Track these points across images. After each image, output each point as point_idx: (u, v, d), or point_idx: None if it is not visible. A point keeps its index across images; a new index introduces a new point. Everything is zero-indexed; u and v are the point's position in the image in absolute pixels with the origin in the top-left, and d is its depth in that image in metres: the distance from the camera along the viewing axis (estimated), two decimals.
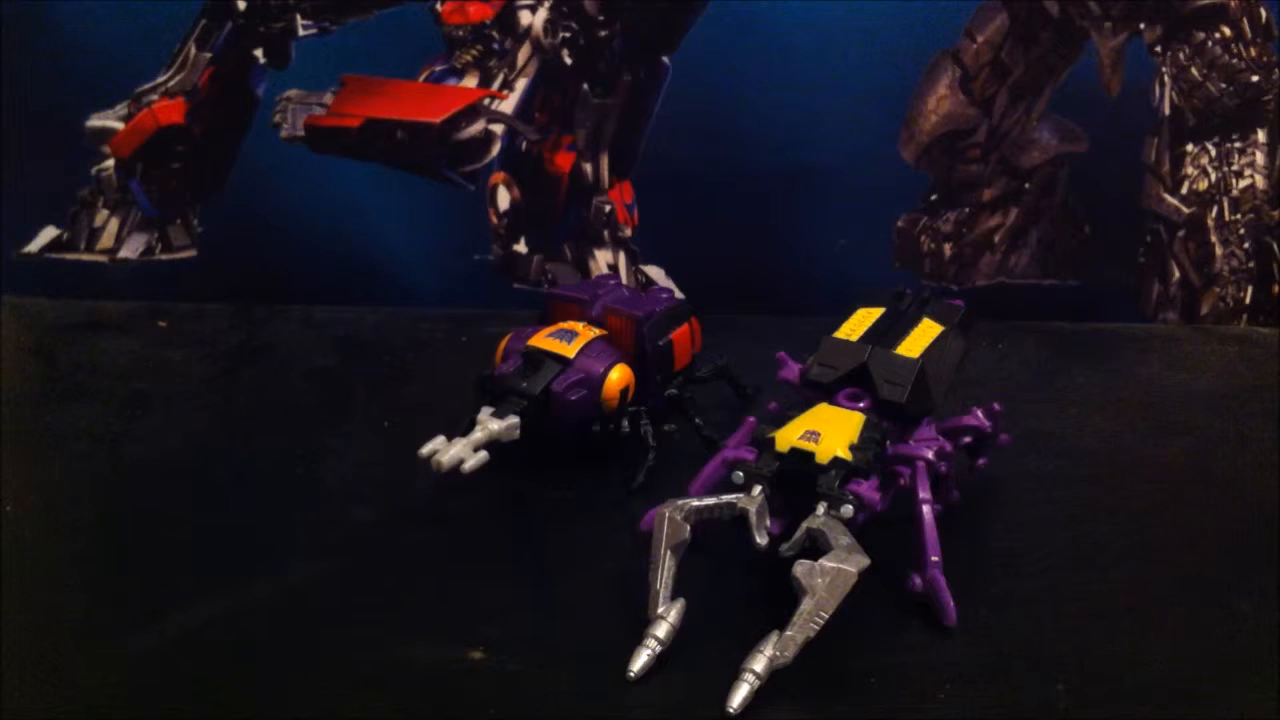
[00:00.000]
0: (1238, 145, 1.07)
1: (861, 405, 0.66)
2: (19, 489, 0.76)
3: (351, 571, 0.68)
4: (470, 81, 1.09)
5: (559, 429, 0.75)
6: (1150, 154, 1.08)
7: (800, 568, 0.56)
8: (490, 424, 0.70)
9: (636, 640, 0.58)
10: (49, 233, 1.15)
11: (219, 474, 0.79)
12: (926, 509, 0.63)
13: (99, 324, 1.07)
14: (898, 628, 0.62)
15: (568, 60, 1.08)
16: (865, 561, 0.57)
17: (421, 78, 1.09)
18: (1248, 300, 1.10)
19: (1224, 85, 1.05)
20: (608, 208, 1.12)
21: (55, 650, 0.60)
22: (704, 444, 0.79)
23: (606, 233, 1.13)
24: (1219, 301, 1.10)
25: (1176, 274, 1.10)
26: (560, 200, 1.12)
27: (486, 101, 1.10)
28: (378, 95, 1.10)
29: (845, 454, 0.61)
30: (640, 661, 0.57)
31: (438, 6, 1.07)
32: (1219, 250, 1.09)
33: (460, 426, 0.71)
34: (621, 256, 1.13)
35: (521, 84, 1.09)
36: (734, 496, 0.61)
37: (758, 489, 0.61)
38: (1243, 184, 1.08)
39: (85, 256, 1.15)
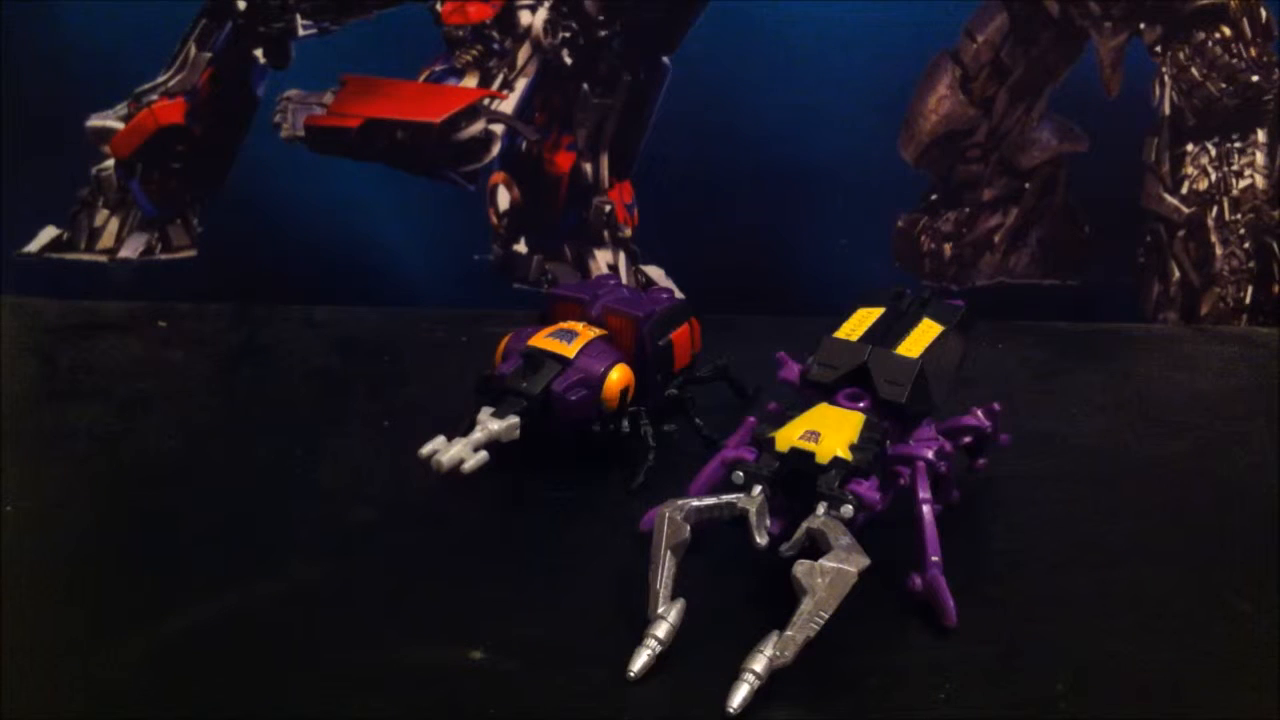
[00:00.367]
0: (1238, 145, 1.07)
1: (861, 405, 0.66)
2: (19, 489, 0.76)
3: (351, 571, 0.68)
4: (470, 81, 1.09)
5: (559, 429, 0.75)
6: (1150, 154, 1.08)
7: (800, 568, 0.56)
8: (490, 424, 0.70)
9: (636, 640, 0.58)
10: (49, 233, 1.15)
11: (219, 474, 0.79)
12: (926, 509, 0.63)
13: (99, 324, 1.07)
14: (898, 628, 0.62)
15: (568, 60, 1.08)
16: (865, 561, 0.57)
17: (421, 78, 1.09)
18: (1248, 300, 1.10)
19: (1224, 85, 1.05)
20: (607, 208, 1.12)
21: (55, 650, 0.60)
22: (704, 444, 0.79)
23: (606, 233, 1.13)
24: (1219, 301, 1.10)
25: (1176, 274, 1.10)
26: (560, 200, 1.12)
27: (486, 101, 1.10)
28: (378, 95, 1.10)
29: (845, 454, 0.61)
30: (640, 661, 0.57)
31: (438, 6, 1.07)
32: (1219, 250, 1.09)
33: (460, 426, 0.71)
34: (621, 256, 1.13)
35: (521, 84, 1.09)
36: (734, 496, 0.61)
37: (758, 489, 0.61)
38: (1243, 184, 1.08)
39: (85, 256, 1.15)
